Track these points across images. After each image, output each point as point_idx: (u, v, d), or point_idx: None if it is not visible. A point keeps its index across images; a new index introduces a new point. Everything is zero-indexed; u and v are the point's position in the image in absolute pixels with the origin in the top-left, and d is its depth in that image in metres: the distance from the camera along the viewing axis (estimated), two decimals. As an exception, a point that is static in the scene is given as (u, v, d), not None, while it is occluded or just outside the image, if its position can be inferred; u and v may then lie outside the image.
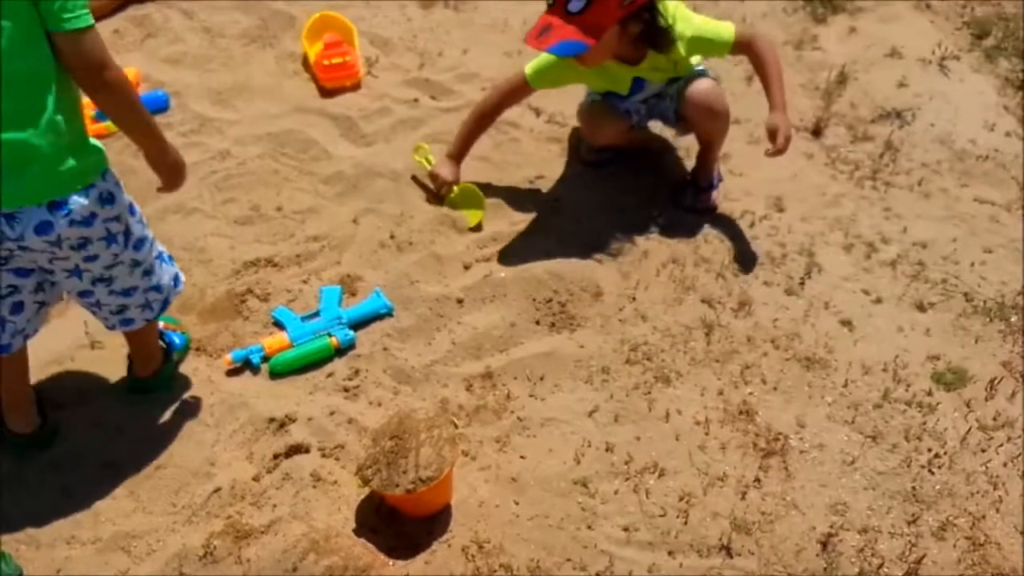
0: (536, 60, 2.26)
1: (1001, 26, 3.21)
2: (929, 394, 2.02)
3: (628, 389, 2.01)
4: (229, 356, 2.03)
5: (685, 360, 2.08)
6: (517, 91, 2.35)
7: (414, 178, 2.46)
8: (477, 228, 2.34)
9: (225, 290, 2.19)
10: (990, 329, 2.18)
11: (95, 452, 1.87)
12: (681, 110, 2.30)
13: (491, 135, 2.60)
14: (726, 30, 2.21)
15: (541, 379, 2.03)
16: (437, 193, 2.40)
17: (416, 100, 2.71)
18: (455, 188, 2.37)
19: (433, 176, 2.39)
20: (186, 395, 1.98)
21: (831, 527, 1.78)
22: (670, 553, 1.74)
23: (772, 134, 2.16)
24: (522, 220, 2.37)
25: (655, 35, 2.14)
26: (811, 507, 1.81)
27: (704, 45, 2.23)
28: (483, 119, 2.40)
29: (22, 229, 1.53)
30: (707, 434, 1.93)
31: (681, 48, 2.19)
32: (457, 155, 2.38)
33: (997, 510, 1.82)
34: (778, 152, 2.16)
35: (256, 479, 1.84)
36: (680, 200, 2.41)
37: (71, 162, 1.57)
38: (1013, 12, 3.27)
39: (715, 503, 1.81)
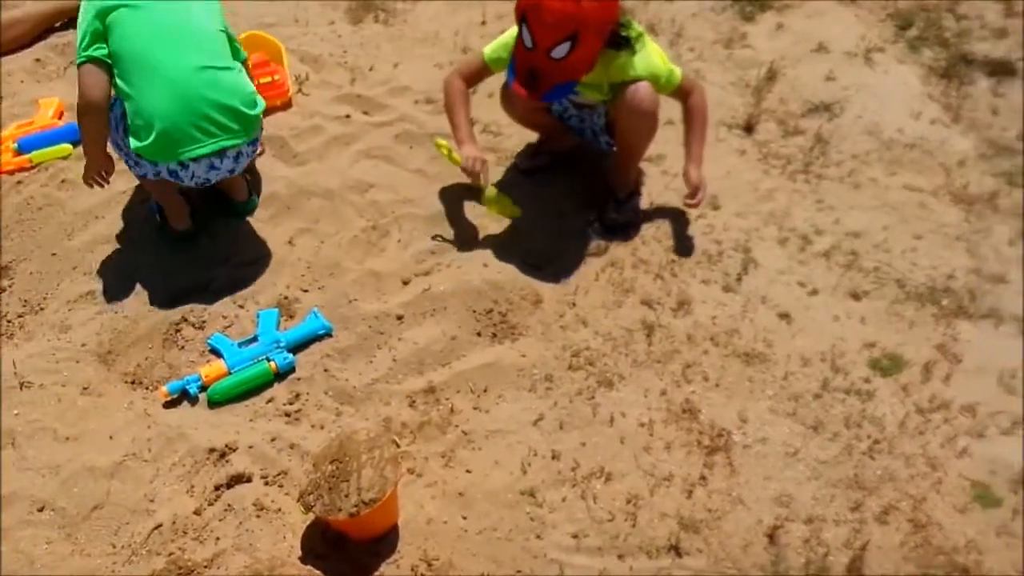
0: (494, 43, 2.26)
1: (923, 17, 3.29)
2: (867, 381, 2.06)
3: (572, 395, 2.02)
4: (165, 388, 1.99)
5: (627, 363, 2.08)
6: (478, 72, 2.34)
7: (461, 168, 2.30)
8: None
9: (159, 320, 2.15)
10: (923, 314, 2.22)
11: (27, 494, 1.81)
12: (612, 109, 2.30)
13: (427, 148, 2.59)
14: (675, 74, 2.23)
15: (485, 391, 2.02)
16: (476, 179, 2.29)
17: (348, 116, 2.69)
18: (490, 192, 2.30)
19: (467, 168, 2.26)
20: (122, 430, 1.93)
21: (777, 519, 1.80)
22: (620, 557, 1.74)
23: (694, 190, 2.24)
24: (460, 231, 2.36)
25: (617, 41, 2.14)
26: (757, 501, 1.83)
27: (651, 79, 2.20)
28: (464, 103, 2.34)
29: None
30: (651, 435, 1.94)
31: (626, 71, 2.17)
32: (468, 138, 2.31)
33: (937, 491, 1.86)
34: (698, 204, 2.27)
35: (198, 512, 1.80)
36: (603, 216, 2.41)
37: None
38: (934, 3, 3.35)
39: (662, 504, 1.82)
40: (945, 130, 2.82)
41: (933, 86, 3.00)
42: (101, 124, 2.08)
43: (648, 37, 2.22)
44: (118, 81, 2.03)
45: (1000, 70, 3.06)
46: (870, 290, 2.27)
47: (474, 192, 2.37)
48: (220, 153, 2.09)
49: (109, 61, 2.01)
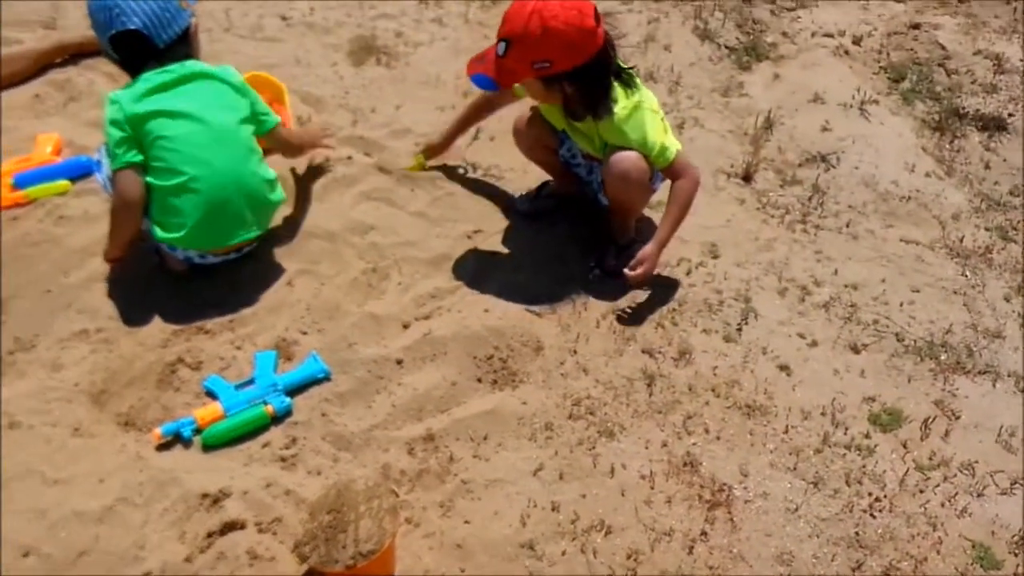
0: None
1: (915, 70, 3.36)
2: (867, 436, 2.05)
3: (572, 445, 2.00)
4: (159, 430, 1.95)
5: (628, 412, 2.07)
6: (503, 96, 2.44)
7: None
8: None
9: (154, 360, 2.11)
10: (921, 368, 2.23)
11: (10, 540, 1.76)
12: (601, 173, 2.30)
13: (428, 190, 2.59)
14: (668, 152, 2.20)
15: (484, 439, 2.00)
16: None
17: (350, 157, 2.69)
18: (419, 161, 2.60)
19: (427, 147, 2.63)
20: (113, 474, 1.89)
21: (778, 578, 1.78)
22: (620, 614, 1.71)
23: (637, 263, 2.21)
24: (460, 276, 2.36)
25: (588, 102, 2.16)
26: (758, 558, 1.81)
27: (641, 149, 2.20)
28: (477, 111, 2.58)
29: None
30: (652, 488, 1.92)
31: (618, 133, 2.18)
32: (448, 133, 2.60)
33: (938, 552, 1.84)
34: (633, 280, 2.23)
35: (189, 560, 1.75)
36: (603, 262, 2.40)
37: None
38: (926, 57, 3.42)
39: (663, 560, 1.79)
40: (939, 183, 2.86)
41: (927, 139, 3.05)
42: (135, 221, 2.19)
43: (649, 106, 2.21)
44: (150, 179, 2.13)
45: (992, 125, 3.12)
46: (869, 343, 2.28)
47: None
48: (239, 246, 2.27)
49: (143, 163, 2.12)
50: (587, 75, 2.10)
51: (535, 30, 2.01)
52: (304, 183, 2.59)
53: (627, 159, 2.18)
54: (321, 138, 2.60)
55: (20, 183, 2.46)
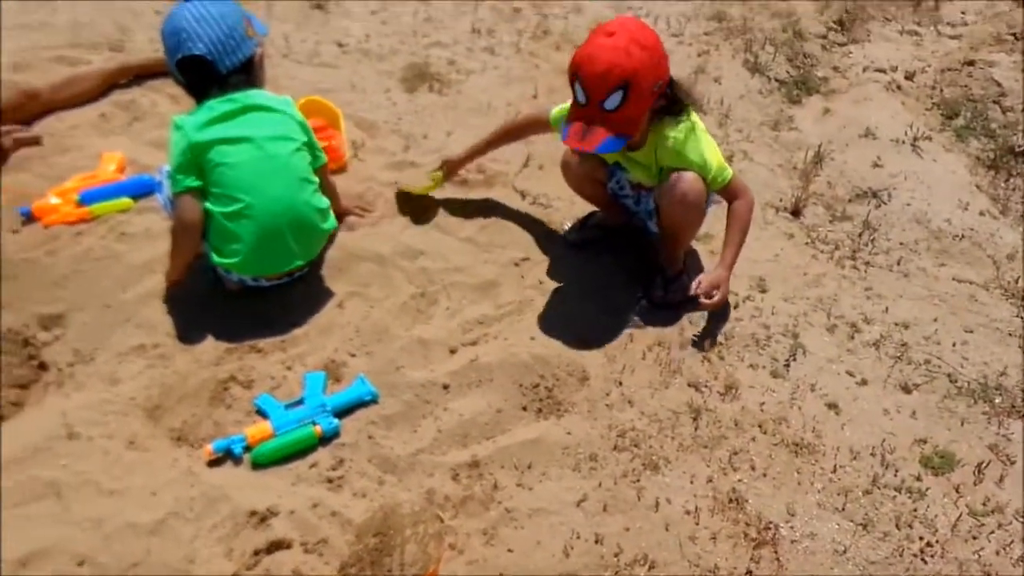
0: (562, 106, 2.31)
1: (969, 107, 3.32)
2: (918, 479, 2.02)
3: (616, 477, 1.99)
4: (210, 446, 1.99)
5: (673, 446, 2.06)
6: (537, 124, 2.46)
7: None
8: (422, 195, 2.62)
9: (208, 377, 2.16)
10: (975, 411, 2.19)
11: (66, 548, 1.81)
12: (656, 195, 2.32)
13: (477, 217, 2.62)
14: (726, 172, 2.23)
15: (528, 467, 2.00)
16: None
17: (400, 182, 2.74)
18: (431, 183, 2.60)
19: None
20: (166, 488, 1.93)
21: (826, 621, 1.75)
22: (663, 651, 1.70)
23: (712, 287, 2.21)
24: (508, 303, 2.38)
25: (675, 108, 2.18)
26: (805, 600, 1.78)
27: (700, 170, 2.21)
28: (504, 135, 2.57)
29: None
30: (697, 523, 1.91)
31: (678, 154, 2.18)
32: (471, 151, 2.56)
33: (992, 601, 1.80)
34: (711, 307, 2.25)
35: (236, 577, 1.78)
36: (651, 293, 2.40)
37: None
38: (980, 94, 3.38)
39: (707, 597, 1.78)
40: (994, 222, 2.82)
41: (981, 177, 3.01)
42: (194, 244, 2.26)
43: (704, 129, 2.23)
44: (208, 205, 2.20)
45: (1049, 164, 3.06)
46: (920, 383, 2.24)
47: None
48: (290, 272, 2.33)
49: (202, 189, 2.20)
50: (671, 81, 2.14)
51: (643, 58, 2.01)
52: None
53: (685, 180, 2.19)
54: (357, 207, 2.63)
55: (85, 200, 2.54)
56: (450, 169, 2.65)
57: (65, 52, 3.16)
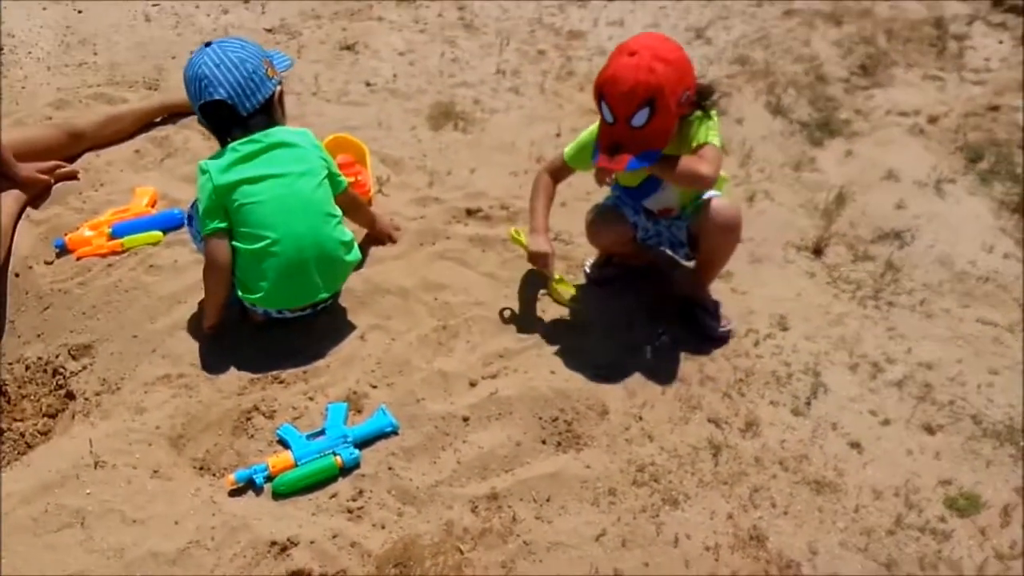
0: (573, 143, 2.36)
1: (994, 151, 3.31)
2: (943, 520, 1.99)
3: (636, 512, 1.98)
4: (232, 476, 2.01)
5: (693, 482, 2.05)
6: (560, 171, 2.45)
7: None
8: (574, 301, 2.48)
9: (231, 407, 2.19)
10: (1001, 453, 2.16)
11: (91, 576, 1.83)
12: (695, 225, 2.34)
13: (498, 252, 2.66)
14: (719, 144, 2.24)
15: (547, 500, 2.00)
16: (542, 270, 2.44)
17: (424, 218, 2.78)
18: (557, 280, 2.47)
19: (532, 257, 2.40)
20: (188, 516, 1.95)
21: (848, 664, 1.72)
22: None
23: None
24: (528, 337, 2.39)
25: (703, 106, 2.20)
26: (827, 641, 1.75)
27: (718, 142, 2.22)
28: (546, 196, 2.45)
29: None
30: (717, 560, 1.89)
31: (699, 135, 2.19)
32: (541, 229, 2.40)
33: (1020, 646, 1.76)
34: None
35: (255, 606, 1.79)
36: (697, 326, 2.42)
37: None
38: (1005, 138, 3.38)
39: (727, 636, 1.75)
40: (1018, 265, 2.80)
41: (1005, 220, 3.00)
42: (225, 285, 2.31)
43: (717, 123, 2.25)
44: (236, 243, 2.26)
45: (1074, 208, 3.04)
46: (944, 424, 2.22)
47: (538, 284, 2.52)
48: (315, 304, 2.37)
49: (228, 228, 2.26)
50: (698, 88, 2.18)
51: (667, 72, 2.03)
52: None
53: (728, 208, 2.26)
54: (390, 227, 2.69)
55: (117, 232, 2.61)
56: (548, 253, 2.41)
57: (104, 90, 3.27)
